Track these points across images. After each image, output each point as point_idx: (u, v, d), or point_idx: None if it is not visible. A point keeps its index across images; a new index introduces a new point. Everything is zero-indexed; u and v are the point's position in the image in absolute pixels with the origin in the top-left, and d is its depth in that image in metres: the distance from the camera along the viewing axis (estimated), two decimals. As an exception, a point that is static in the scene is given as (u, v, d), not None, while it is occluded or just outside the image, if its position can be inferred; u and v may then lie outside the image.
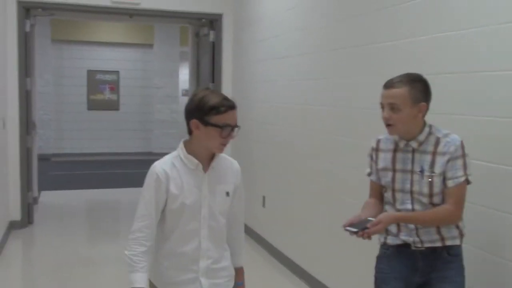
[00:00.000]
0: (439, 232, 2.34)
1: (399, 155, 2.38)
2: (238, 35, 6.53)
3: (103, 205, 8.26)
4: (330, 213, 4.16)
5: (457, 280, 2.36)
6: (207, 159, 2.19)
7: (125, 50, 13.52)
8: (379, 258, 2.50)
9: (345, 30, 3.92)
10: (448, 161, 2.27)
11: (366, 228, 2.21)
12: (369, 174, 2.54)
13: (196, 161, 2.17)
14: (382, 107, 2.34)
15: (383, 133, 2.42)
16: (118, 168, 11.66)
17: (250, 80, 6.08)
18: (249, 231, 5.60)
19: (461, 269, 2.39)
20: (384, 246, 2.47)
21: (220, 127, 2.08)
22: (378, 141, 2.49)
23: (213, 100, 2.09)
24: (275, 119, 5.26)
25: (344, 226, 2.26)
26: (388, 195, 2.43)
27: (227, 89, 6.63)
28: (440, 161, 2.28)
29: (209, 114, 2.08)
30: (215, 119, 2.08)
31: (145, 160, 12.47)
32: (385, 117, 2.32)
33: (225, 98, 2.12)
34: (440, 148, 2.28)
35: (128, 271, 2.11)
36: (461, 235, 2.38)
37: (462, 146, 2.27)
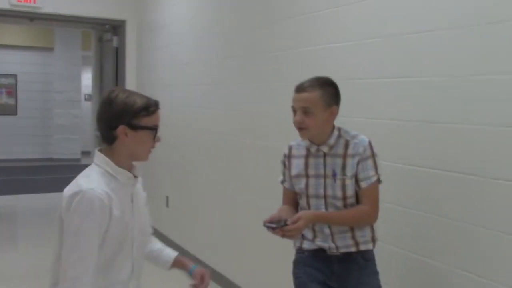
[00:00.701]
0: (353, 237, 2.33)
1: (311, 161, 2.37)
2: (141, 41, 6.69)
3: (2, 210, 8.03)
4: (233, 212, 4.46)
5: (374, 284, 2.38)
6: (129, 169, 1.92)
7: (23, 53, 13.10)
8: (295, 263, 2.48)
9: (245, 39, 4.24)
10: (358, 162, 2.28)
11: (286, 225, 2.17)
12: (282, 182, 2.50)
13: (129, 173, 1.90)
14: (294, 111, 2.30)
15: (294, 139, 2.45)
16: (16, 174, 11.28)
17: (154, 84, 6.27)
18: (153, 231, 5.78)
19: (376, 273, 2.41)
20: (299, 250, 2.45)
21: (152, 129, 1.87)
22: (290, 148, 2.47)
23: (139, 100, 1.86)
24: (178, 121, 5.49)
25: (265, 222, 2.21)
26: (302, 201, 2.41)
27: (131, 93, 6.76)
28: (350, 163, 2.28)
29: (138, 116, 1.84)
30: (145, 121, 1.85)
31: (44, 166, 12.26)
32: (298, 121, 2.28)
33: (148, 97, 1.91)
34: (350, 150, 2.29)
35: None
36: (374, 239, 2.38)
37: (371, 147, 2.30)
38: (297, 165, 2.41)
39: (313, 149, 2.35)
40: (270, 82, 3.88)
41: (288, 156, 2.46)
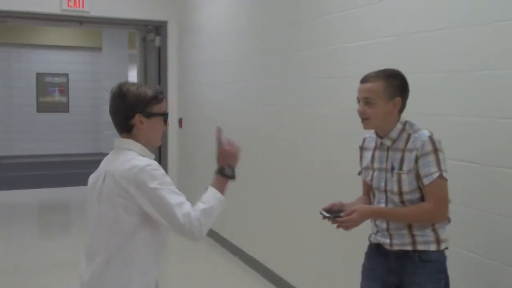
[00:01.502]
0: (411, 235, 2.26)
1: (377, 154, 2.35)
2: (181, 41, 7.04)
3: (55, 203, 8.58)
4: (275, 204, 4.75)
5: (426, 287, 2.27)
6: None
7: (74, 53, 13.75)
8: (365, 254, 2.48)
9: (275, 38, 4.51)
10: (417, 158, 2.20)
11: (340, 216, 2.21)
12: (359, 173, 2.51)
13: (153, 155, 2.08)
14: (358, 101, 2.31)
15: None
16: (68, 168, 11.89)
17: (194, 82, 6.61)
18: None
19: (434, 276, 2.27)
20: (369, 243, 2.46)
21: (163, 115, 2.07)
22: (364, 140, 2.47)
23: (148, 90, 2.05)
24: (215, 117, 5.80)
25: (322, 209, 2.27)
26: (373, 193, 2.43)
27: (173, 90, 7.12)
28: (408, 157, 2.22)
29: (150, 105, 2.03)
30: (157, 108, 2.05)
31: (95, 161, 12.79)
32: (360, 111, 2.29)
33: (154, 86, 2.12)
34: (409, 145, 2.23)
35: (219, 204, 2.02)
36: (438, 240, 2.26)
37: (432, 141, 2.19)
38: (366, 157, 2.42)
39: (378, 142, 2.34)
40: (298, 79, 4.13)
41: (361, 148, 2.47)
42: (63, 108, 13.80)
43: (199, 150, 6.40)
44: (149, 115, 2.03)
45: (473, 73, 2.52)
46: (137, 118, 2.02)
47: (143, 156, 2.02)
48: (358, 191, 2.61)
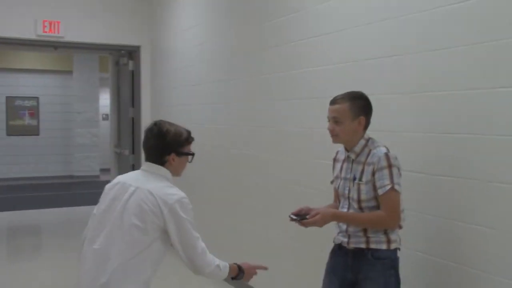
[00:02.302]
0: (365, 235, 2.53)
1: (345, 165, 2.66)
2: (154, 65, 7.30)
3: (25, 225, 8.59)
4: (235, 215, 5.00)
5: (379, 282, 2.51)
6: None
7: (44, 76, 13.85)
8: (330, 253, 2.75)
9: (244, 63, 4.81)
10: (373, 171, 2.49)
11: (306, 218, 2.49)
12: (332, 182, 2.80)
13: None
14: (329, 120, 2.62)
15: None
16: (39, 191, 11.90)
17: (167, 104, 6.86)
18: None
19: (386, 271, 2.52)
20: (333, 244, 2.73)
21: (191, 154, 2.49)
22: (337, 152, 2.79)
23: (183, 132, 2.45)
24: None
25: (291, 213, 2.56)
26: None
27: (146, 112, 7.35)
28: (367, 170, 2.52)
29: (184, 145, 2.45)
30: (187, 149, 2.47)
31: (66, 183, 12.90)
32: (330, 129, 2.60)
33: (186, 128, 2.50)
34: (369, 159, 2.53)
35: (222, 277, 2.44)
36: (389, 241, 2.52)
37: (387, 157, 2.48)
38: (337, 168, 2.74)
39: (346, 155, 2.66)
40: (267, 100, 4.43)
41: (334, 160, 2.79)
42: (34, 131, 13.83)
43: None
44: (181, 154, 2.45)
45: (423, 94, 2.85)
46: (172, 156, 2.42)
47: (173, 186, 2.39)
48: (322, 202, 2.91)
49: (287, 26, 4.07)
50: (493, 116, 2.45)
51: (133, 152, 7.43)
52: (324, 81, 3.64)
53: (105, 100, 13.21)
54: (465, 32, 2.60)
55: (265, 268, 2.65)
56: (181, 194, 2.34)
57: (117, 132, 8.16)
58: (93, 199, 2.65)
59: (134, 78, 7.47)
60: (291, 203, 3.96)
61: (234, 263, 2.54)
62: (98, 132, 13.93)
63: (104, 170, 12.90)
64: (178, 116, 6.40)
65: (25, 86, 13.69)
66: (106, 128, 12.11)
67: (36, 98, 13.82)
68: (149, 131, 2.44)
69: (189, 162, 2.52)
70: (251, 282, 4.29)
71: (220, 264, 2.40)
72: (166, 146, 2.39)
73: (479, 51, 2.52)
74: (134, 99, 7.49)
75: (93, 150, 13.86)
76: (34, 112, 13.84)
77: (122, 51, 7.58)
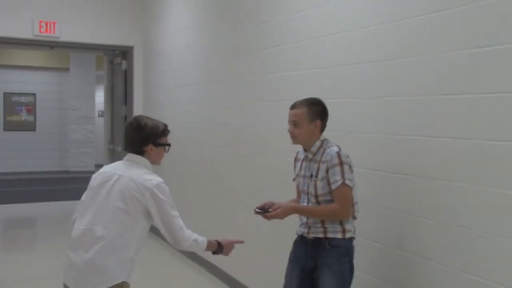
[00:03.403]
0: (323, 226, 2.81)
1: (304, 164, 2.94)
2: (146, 65, 7.59)
3: (21, 218, 8.89)
4: (220, 209, 5.29)
5: (334, 268, 2.77)
6: None
7: (41, 73, 14.11)
8: (293, 243, 3.01)
9: (228, 66, 5.10)
10: (327, 168, 2.76)
11: (268, 211, 2.78)
12: (294, 179, 3.07)
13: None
14: (289, 123, 2.88)
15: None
16: (36, 185, 12.16)
17: (157, 103, 7.15)
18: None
19: (341, 258, 2.78)
20: (297, 234, 2.99)
21: (167, 145, 2.75)
22: (297, 153, 3.05)
23: (159, 125, 2.71)
24: (176, 134, 6.34)
25: (256, 207, 2.82)
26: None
27: (138, 110, 7.63)
28: (321, 168, 2.80)
29: (160, 137, 2.70)
30: (163, 140, 2.72)
31: (62, 178, 13.15)
32: (290, 131, 2.88)
33: (163, 122, 2.77)
34: (323, 158, 2.80)
35: (199, 249, 2.70)
36: (344, 230, 2.79)
37: (339, 156, 2.74)
38: (297, 166, 3.01)
39: (304, 154, 2.93)
40: (248, 102, 4.72)
41: (295, 159, 3.06)
42: (30, 126, 14.10)
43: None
44: (158, 145, 2.70)
45: (381, 99, 3.14)
46: (150, 147, 2.68)
47: (152, 173, 2.66)
48: (291, 194, 3.20)
49: (272, 30, 4.35)
50: (439, 120, 2.74)
51: (125, 149, 7.68)
52: (301, 85, 3.93)
53: (101, 97, 13.45)
54: (421, 44, 2.89)
55: (242, 242, 2.91)
56: (159, 179, 2.61)
57: (111, 129, 8.43)
58: (88, 194, 2.88)
59: (127, 77, 7.75)
60: (269, 196, 4.26)
61: (215, 240, 2.80)
62: (93, 128, 14.20)
63: (99, 166, 12.98)
64: (168, 115, 6.70)
65: (23, 82, 13.94)
66: (101, 125, 12.36)
67: (33, 95, 14.08)
68: (129, 125, 2.72)
69: (166, 152, 2.77)
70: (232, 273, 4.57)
71: (198, 238, 2.67)
72: (144, 138, 2.65)
73: (429, 61, 2.81)
74: (127, 98, 7.77)
75: (89, 146, 14.13)
76: (31, 108, 14.10)
77: (116, 51, 7.86)
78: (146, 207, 2.55)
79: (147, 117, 2.77)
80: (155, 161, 2.74)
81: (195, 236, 2.67)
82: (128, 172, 2.62)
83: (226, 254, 2.85)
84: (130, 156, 2.71)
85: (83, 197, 2.73)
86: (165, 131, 2.74)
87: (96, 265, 2.49)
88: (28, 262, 6.15)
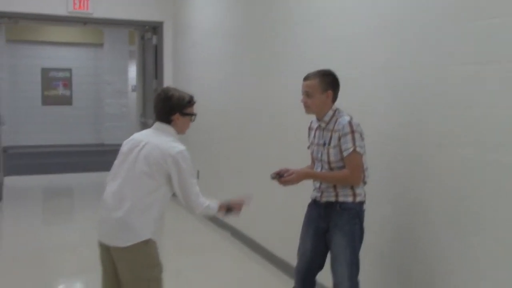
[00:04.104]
0: (335, 190, 2.97)
1: (317, 133, 3.07)
2: (176, 40, 7.80)
3: (61, 186, 9.34)
4: (251, 180, 5.52)
5: (345, 228, 2.94)
6: None
7: (77, 49, 14.48)
8: (307, 207, 3.19)
9: (254, 40, 5.26)
10: (339, 137, 2.89)
11: (283, 176, 2.93)
12: (308, 147, 3.23)
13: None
14: (302, 94, 3.02)
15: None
16: (72, 157, 12.64)
17: (186, 77, 7.37)
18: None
19: (351, 220, 2.94)
20: (311, 198, 3.16)
21: (193, 115, 2.89)
22: (311, 122, 3.17)
23: (185, 96, 2.85)
24: (205, 108, 6.55)
25: (272, 172, 2.96)
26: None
27: (168, 83, 7.85)
28: (334, 136, 2.93)
29: (186, 107, 2.84)
30: (189, 110, 2.86)
31: (96, 151, 13.61)
32: (303, 101, 3.01)
33: (189, 93, 2.90)
34: (335, 127, 2.93)
35: (212, 214, 2.91)
36: (354, 194, 2.95)
37: (350, 125, 2.87)
38: (311, 135, 3.14)
39: (318, 124, 3.06)
40: (273, 75, 4.88)
41: (309, 128, 3.20)
42: (67, 101, 14.56)
43: (189, 138, 7.16)
44: (184, 115, 2.86)
45: (391, 69, 3.27)
46: (176, 116, 2.84)
47: (177, 141, 2.83)
48: (307, 162, 3.38)
49: (290, 10, 4.49)
50: (447, 90, 2.86)
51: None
52: (316, 56, 4.07)
53: (133, 72, 13.71)
54: (430, 19, 3.00)
55: (250, 198, 3.09)
56: (182, 147, 2.78)
57: (143, 102, 8.71)
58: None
59: (158, 52, 7.98)
60: (287, 164, 4.45)
61: (225, 201, 2.97)
62: (127, 102, 14.56)
63: (133, 139, 13.49)
64: (196, 88, 6.90)
65: (59, 58, 14.35)
66: (134, 99, 12.69)
67: (69, 70, 14.50)
68: (158, 96, 2.90)
69: (192, 122, 2.94)
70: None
71: (210, 204, 2.85)
72: (171, 107, 2.82)
73: (433, 35, 2.92)
74: (157, 72, 8.01)
75: (122, 119, 14.52)
76: (68, 83, 14.54)
77: (146, 27, 8.08)
78: (168, 172, 2.74)
79: (174, 88, 2.93)
80: (180, 130, 2.89)
81: (207, 203, 2.85)
82: (154, 139, 2.81)
83: (237, 213, 3.02)
84: (157, 124, 2.88)
85: (115, 162, 2.94)
86: (190, 102, 2.89)
87: (124, 223, 2.71)
88: (65, 230, 6.50)
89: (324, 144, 3.00)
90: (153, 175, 2.73)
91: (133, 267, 2.74)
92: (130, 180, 2.76)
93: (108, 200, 2.81)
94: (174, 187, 2.79)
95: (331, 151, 2.96)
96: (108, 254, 2.80)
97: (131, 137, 2.95)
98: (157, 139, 2.81)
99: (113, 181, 2.84)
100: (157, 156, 2.74)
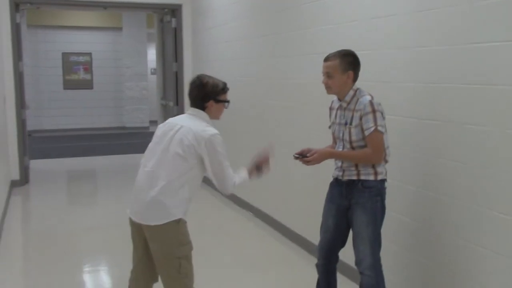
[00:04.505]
0: (357, 169, 3.02)
1: (339, 112, 3.11)
2: (195, 22, 7.84)
3: (83, 169, 9.52)
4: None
5: (366, 206, 2.99)
6: None
7: (96, 33, 14.62)
8: (329, 185, 3.24)
9: (277, 20, 5.29)
10: (361, 116, 2.93)
11: (306, 156, 3.01)
12: (329, 127, 3.27)
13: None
14: (323, 74, 3.05)
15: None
16: (93, 140, 12.84)
17: (206, 59, 7.42)
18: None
19: (372, 198, 2.99)
20: (332, 177, 3.21)
21: (226, 101, 2.98)
22: (332, 102, 3.22)
23: (219, 84, 2.94)
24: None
25: (295, 152, 3.03)
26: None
27: (188, 67, 7.95)
28: (355, 116, 2.97)
29: (220, 94, 2.93)
30: (223, 97, 2.95)
31: (118, 134, 13.81)
32: (324, 82, 3.04)
33: (223, 81, 2.98)
34: (356, 106, 2.96)
35: (245, 185, 2.97)
36: (376, 173, 2.99)
37: (371, 104, 2.90)
38: (332, 115, 3.19)
39: (339, 104, 3.11)
40: (293, 56, 4.92)
41: (330, 108, 3.25)
42: (88, 85, 14.74)
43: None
44: (218, 102, 2.95)
45: (412, 49, 3.29)
46: (211, 103, 2.94)
47: (211, 125, 2.91)
48: (329, 141, 3.43)
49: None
50: (467, 69, 2.89)
51: (177, 104, 8.07)
52: (335, 38, 4.09)
53: (152, 55, 13.83)
54: (446, -5, 3.01)
55: (272, 146, 3.17)
56: (215, 131, 2.87)
57: (163, 85, 8.80)
58: (143, 148, 3.17)
59: (177, 34, 8.03)
60: (309, 144, 4.50)
61: (251, 164, 3.04)
62: (147, 85, 14.70)
63: (153, 122, 13.68)
64: (216, 70, 6.97)
65: (79, 42, 14.51)
66: (154, 82, 12.79)
67: (89, 54, 14.65)
68: (193, 83, 2.97)
69: (226, 108, 3.02)
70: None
71: (241, 179, 2.96)
72: (206, 94, 2.91)
73: (459, 13, 2.93)
74: (177, 55, 8.07)
75: (143, 102, 14.67)
76: (88, 67, 14.70)
77: (165, 10, 8.13)
78: (200, 155, 2.83)
79: (208, 76, 2.99)
80: (214, 116, 2.98)
81: (238, 180, 2.94)
82: (189, 123, 2.90)
83: (267, 167, 3.07)
84: (192, 110, 2.97)
85: (150, 144, 3.04)
86: (224, 89, 2.97)
87: (157, 202, 2.80)
88: (90, 210, 6.65)
89: (346, 123, 3.04)
90: (186, 157, 2.82)
91: (165, 245, 2.83)
92: (164, 161, 2.85)
93: (142, 180, 2.90)
94: (207, 169, 2.87)
95: (353, 130, 3.00)
96: (139, 232, 2.90)
97: (166, 121, 3.05)
98: (191, 123, 2.90)
99: (147, 161, 2.93)
100: (191, 139, 2.82)
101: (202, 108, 2.92)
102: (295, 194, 4.96)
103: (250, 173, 3.03)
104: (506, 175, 2.64)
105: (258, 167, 3.05)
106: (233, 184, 2.90)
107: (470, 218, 2.89)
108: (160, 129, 2.99)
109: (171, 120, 3.03)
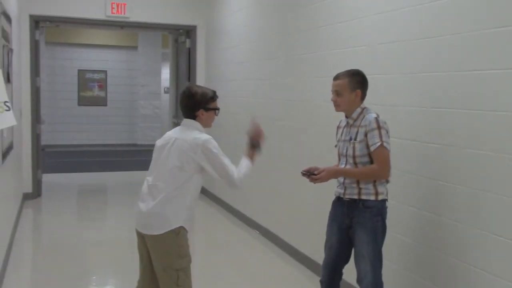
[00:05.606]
0: (358, 187, 3.07)
1: (345, 130, 3.19)
2: (209, 43, 8.01)
3: (95, 184, 9.64)
4: (278, 178, 5.67)
5: (367, 225, 3.04)
6: None
7: (112, 51, 14.89)
8: (332, 204, 3.29)
9: (287, 43, 5.42)
10: (366, 132, 3.01)
11: (314, 174, 3.10)
12: (336, 145, 3.33)
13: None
14: (332, 93, 3.16)
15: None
16: (106, 156, 13.00)
17: (218, 79, 7.57)
18: (212, 196, 7.08)
19: (373, 218, 3.04)
20: (335, 195, 3.26)
21: (216, 109, 3.07)
22: (340, 121, 3.31)
23: (209, 92, 3.03)
24: (235, 108, 6.75)
25: (303, 170, 3.12)
26: None
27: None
28: (360, 131, 3.05)
29: (209, 102, 3.02)
30: (213, 105, 3.04)
31: (130, 151, 13.97)
32: (333, 100, 3.16)
33: (211, 89, 3.08)
34: (362, 123, 3.05)
35: (251, 169, 3.06)
36: (377, 193, 3.05)
37: (377, 121, 2.99)
38: (339, 133, 3.27)
39: (346, 121, 3.20)
40: (303, 77, 5.04)
41: (338, 127, 3.33)
42: (102, 102, 14.96)
43: (223, 135, 7.35)
44: (208, 110, 3.04)
45: (418, 75, 3.38)
46: (200, 112, 3.03)
47: (203, 133, 3.02)
48: (336, 161, 3.51)
49: (322, 11, 4.64)
50: (469, 95, 2.98)
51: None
52: (343, 62, 4.20)
53: (166, 74, 14.02)
54: (454, 24, 3.11)
55: (254, 118, 3.26)
56: (207, 136, 2.97)
57: (175, 104, 8.94)
58: (153, 165, 3.27)
59: (191, 54, 8.20)
60: (316, 163, 4.60)
61: (246, 148, 3.17)
62: (160, 104, 14.88)
63: (165, 140, 13.77)
64: (228, 90, 7.10)
65: (95, 60, 14.78)
66: (167, 101, 12.96)
67: (105, 72, 14.90)
68: (182, 93, 3.08)
69: (216, 116, 3.11)
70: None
71: (246, 171, 3.05)
72: (195, 104, 3.00)
73: (462, 41, 3.03)
74: (190, 74, 8.23)
75: (155, 120, 14.85)
76: (103, 84, 14.94)
77: (180, 30, 8.32)
78: (198, 162, 2.93)
79: (197, 86, 3.11)
80: (206, 124, 3.07)
81: (243, 171, 3.02)
82: (182, 135, 3.01)
83: (262, 140, 3.21)
84: (185, 121, 3.08)
85: (152, 158, 3.15)
86: (213, 97, 3.05)
87: (158, 213, 2.92)
88: (100, 226, 6.76)
89: (350, 139, 3.12)
90: (183, 168, 2.93)
91: (164, 256, 2.93)
92: (163, 174, 2.97)
93: (144, 193, 3.03)
94: (210, 174, 2.98)
95: (357, 145, 3.07)
96: (144, 242, 3.01)
97: (164, 135, 3.17)
98: (184, 134, 3.00)
99: (149, 175, 3.07)
100: (186, 149, 2.93)
101: (193, 117, 3.01)
102: (302, 214, 5.03)
103: (250, 156, 3.14)
104: (507, 200, 2.71)
105: (254, 143, 3.15)
106: (240, 178, 2.98)
107: (471, 241, 2.95)
108: (159, 143, 3.11)
109: (167, 133, 3.15)
